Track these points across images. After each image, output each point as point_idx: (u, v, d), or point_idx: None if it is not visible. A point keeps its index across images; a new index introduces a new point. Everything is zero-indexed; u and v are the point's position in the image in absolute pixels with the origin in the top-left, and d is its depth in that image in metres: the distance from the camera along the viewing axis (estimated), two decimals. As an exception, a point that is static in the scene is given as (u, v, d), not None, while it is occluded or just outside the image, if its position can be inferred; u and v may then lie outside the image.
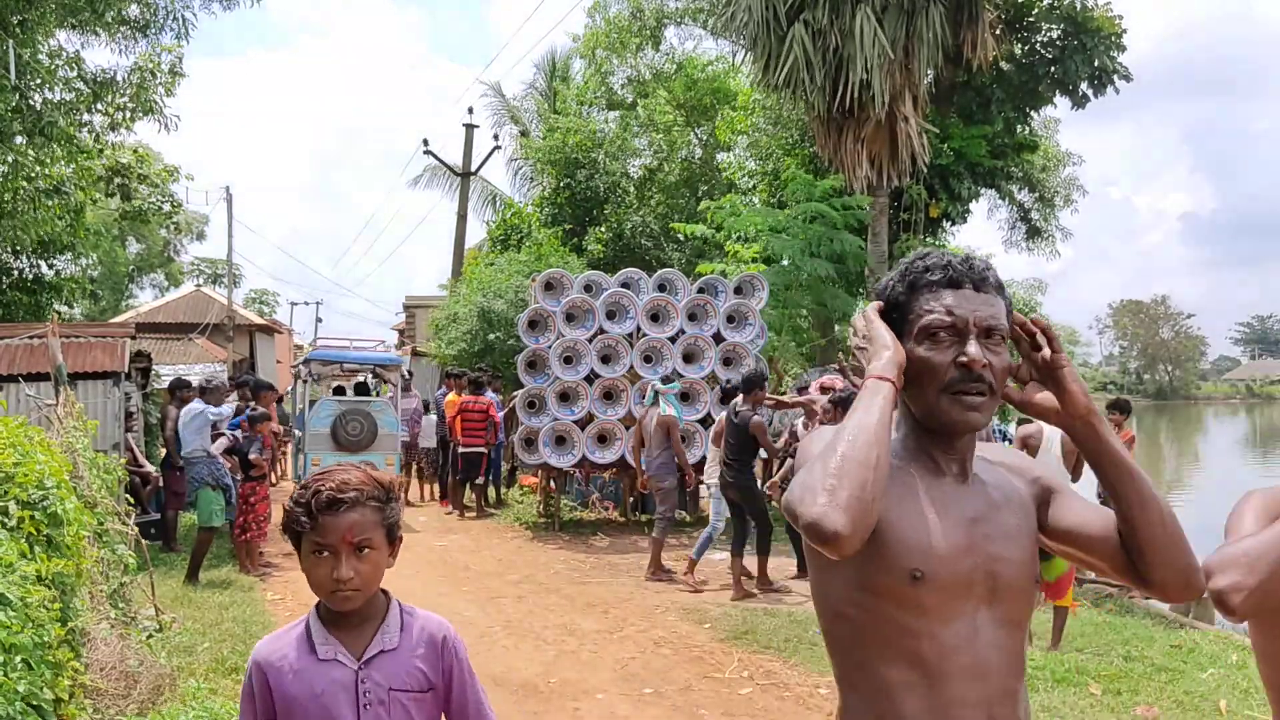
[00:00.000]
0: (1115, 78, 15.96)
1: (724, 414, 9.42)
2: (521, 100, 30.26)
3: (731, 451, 9.07)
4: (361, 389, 15.95)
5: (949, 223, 17.36)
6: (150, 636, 6.20)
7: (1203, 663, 6.88)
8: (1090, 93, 16.11)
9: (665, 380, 11.46)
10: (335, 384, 14.33)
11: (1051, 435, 7.49)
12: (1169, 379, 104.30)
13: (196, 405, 9.92)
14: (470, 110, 27.42)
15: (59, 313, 17.60)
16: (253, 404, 11.44)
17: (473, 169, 27.17)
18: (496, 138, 27.68)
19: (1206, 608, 9.09)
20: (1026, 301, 26.28)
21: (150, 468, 11.36)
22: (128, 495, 9.02)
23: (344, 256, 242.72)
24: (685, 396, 12.23)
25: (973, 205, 17.25)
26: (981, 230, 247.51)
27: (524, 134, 28.63)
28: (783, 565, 9.80)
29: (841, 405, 8.90)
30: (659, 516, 9.99)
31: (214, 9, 14.73)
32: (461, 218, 26.73)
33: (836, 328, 16.73)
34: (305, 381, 14.86)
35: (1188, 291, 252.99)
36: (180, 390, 11.56)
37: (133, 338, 12.64)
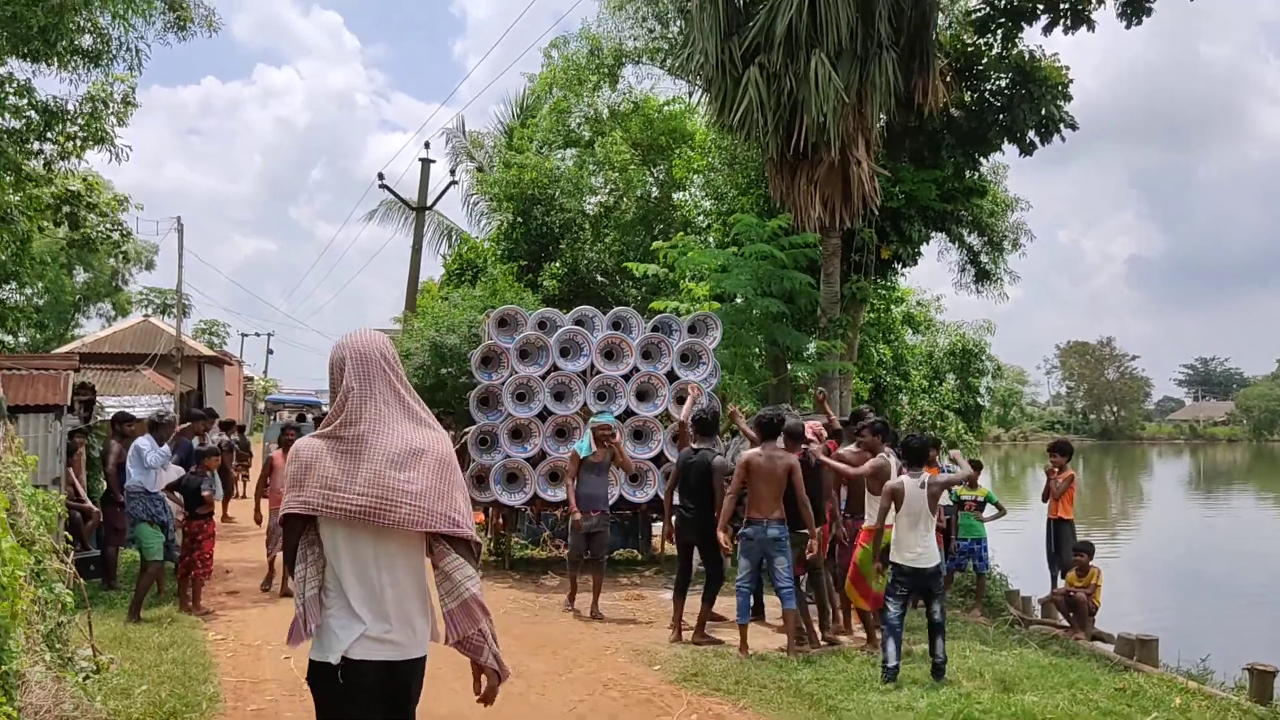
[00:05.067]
0: (1061, 126, 16.28)
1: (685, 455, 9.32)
2: (482, 137, 30.29)
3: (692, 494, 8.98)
4: (301, 418, 24.80)
5: (899, 264, 17.56)
6: (87, 678, 6.06)
7: (1146, 706, 6.95)
8: (1037, 140, 16.40)
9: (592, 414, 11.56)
10: (280, 414, 25.53)
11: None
12: (1114, 419, 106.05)
13: (142, 442, 9.74)
14: (427, 145, 27.34)
15: (2, 342, 17.23)
16: (200, 439, 11.26)
17: (428, 203, 27.13)
18: (453, 173, 27.66)
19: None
20: (976, 343, 26.62)
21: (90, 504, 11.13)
22: (67, 532, 8.81)
23: (297, 289, 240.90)
24: (639, 435, 12.23)
25: (923, 248, 17.43)
26: (931, 273, 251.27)
27: (480, 169, 28.64)
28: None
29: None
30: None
31: (169, 39, 14.59)
32: (416, 251, 26.62)
33: (789, 366, 16.83)
34: (270, 413, 28.34)
35: (1133, 333, 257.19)
36: (121, 424, 11.34)
37: (76, 369, 12.40)
